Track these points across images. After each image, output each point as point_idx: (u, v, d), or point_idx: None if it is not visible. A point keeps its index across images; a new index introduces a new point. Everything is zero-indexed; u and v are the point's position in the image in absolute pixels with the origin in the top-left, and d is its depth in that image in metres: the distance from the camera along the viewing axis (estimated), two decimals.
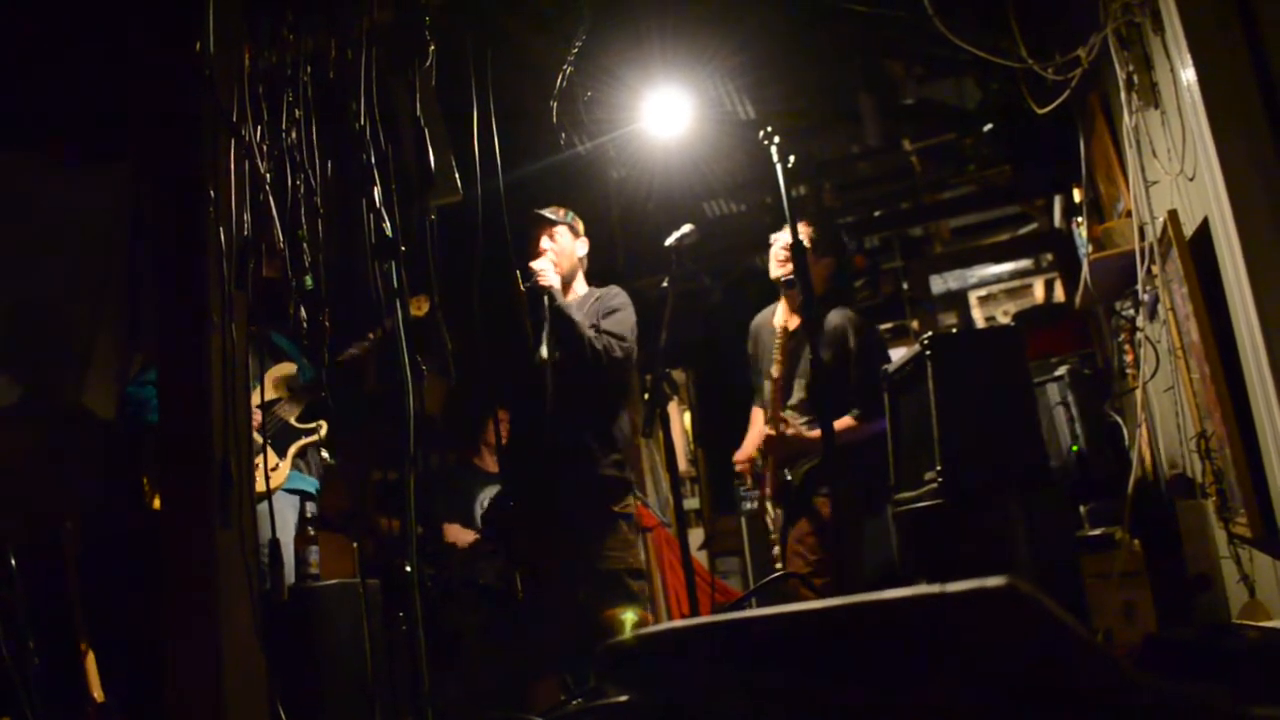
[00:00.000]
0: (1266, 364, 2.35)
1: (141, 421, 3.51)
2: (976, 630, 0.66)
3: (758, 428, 3.94)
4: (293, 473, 3.54)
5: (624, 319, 3.61)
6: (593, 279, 3.90)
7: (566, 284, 3.73)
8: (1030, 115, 3.86)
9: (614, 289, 3.76)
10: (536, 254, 3.66)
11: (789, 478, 3.67)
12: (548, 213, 3.73)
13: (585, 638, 3.41)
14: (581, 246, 3.80)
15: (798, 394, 3.76)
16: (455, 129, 3.12)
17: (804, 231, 3.74)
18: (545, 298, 3.53)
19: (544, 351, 3.52)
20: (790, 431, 3.63)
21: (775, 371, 3.73)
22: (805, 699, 0.82)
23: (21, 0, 3.22)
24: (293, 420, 3.58)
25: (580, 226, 3.83)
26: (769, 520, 3.78)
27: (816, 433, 3.54)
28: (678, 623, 1.01)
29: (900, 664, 0.73)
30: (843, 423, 3.55)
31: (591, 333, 3.52)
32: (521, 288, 3.49)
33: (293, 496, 3.50)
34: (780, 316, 3.91)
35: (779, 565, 3.70)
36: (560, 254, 3.69)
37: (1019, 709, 0.69)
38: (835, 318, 3.74)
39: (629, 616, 3.33)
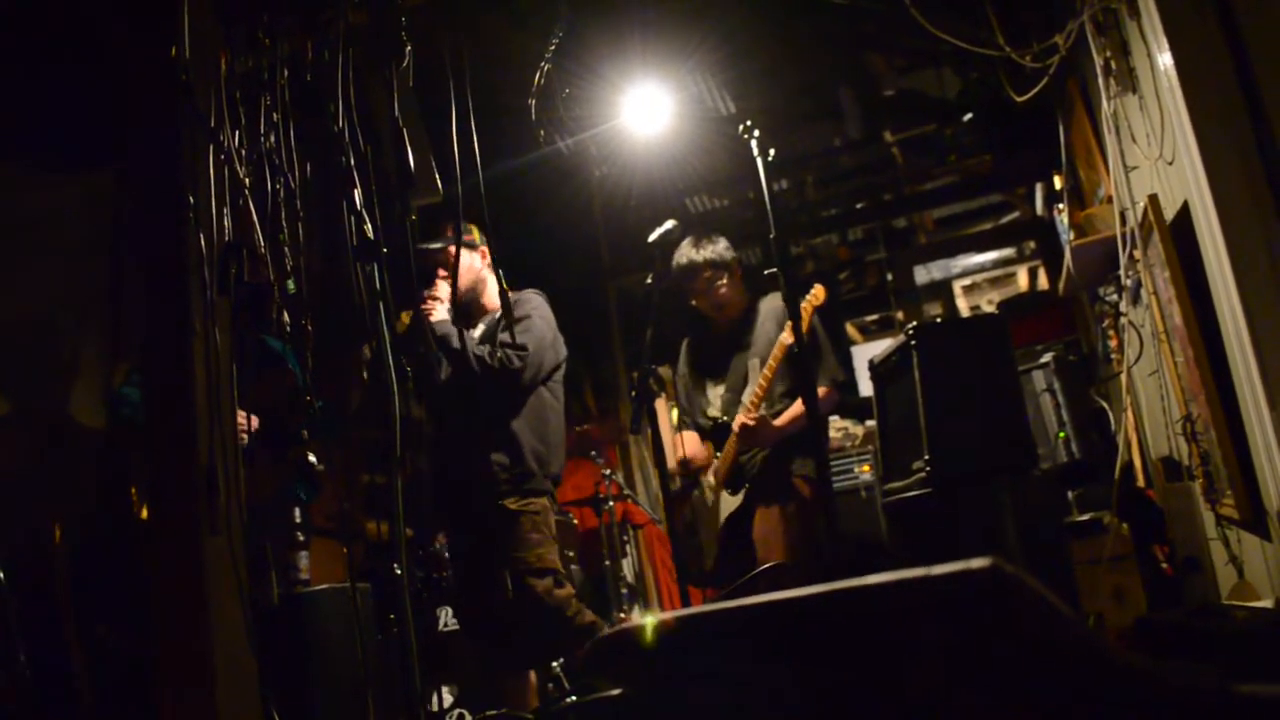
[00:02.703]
0: (1249, 345, 2.36)
1: (138, 420, 3.48)
2: (962, 611, 0.67)
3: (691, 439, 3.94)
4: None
5: (527, 327, 3.49)
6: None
7: (476, 299, 3.66)
8: (1010, 103, 3.88)
9: (526, 295, 3.62)
10: (434, 283, 3.53)
11: (743, 460, 3.67)
12: (432, 245, 3.55)
13: (521, 639, 3.41)
14: (479, 257, 3.66)
15: (747, 394, 3.68)
16: (434, 129, 3.11)
17: (705, 252, 3.72)
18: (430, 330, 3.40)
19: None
20: (752, 419, 3.54)
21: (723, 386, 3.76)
22: (795, 685, 0.82)
23: None
24: None
25: (474, 234, 3.65)
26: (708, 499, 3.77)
27: (781, 419, 3.55)
28: (668, 615, 1.01)
29: (888, 647, 0.73)
30: (798, 408, 3.53)
31: (484, 349, 3.41)
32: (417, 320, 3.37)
33: None
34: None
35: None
36: (460, 272, 3.53)
37: (1005, 689, 0.69)
38: (773, 301, 3.72)
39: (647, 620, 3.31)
